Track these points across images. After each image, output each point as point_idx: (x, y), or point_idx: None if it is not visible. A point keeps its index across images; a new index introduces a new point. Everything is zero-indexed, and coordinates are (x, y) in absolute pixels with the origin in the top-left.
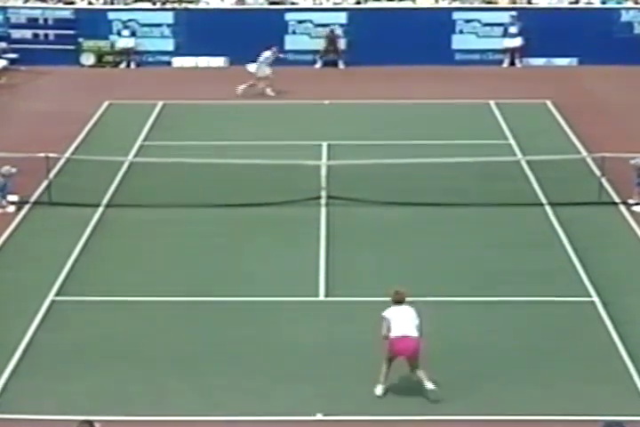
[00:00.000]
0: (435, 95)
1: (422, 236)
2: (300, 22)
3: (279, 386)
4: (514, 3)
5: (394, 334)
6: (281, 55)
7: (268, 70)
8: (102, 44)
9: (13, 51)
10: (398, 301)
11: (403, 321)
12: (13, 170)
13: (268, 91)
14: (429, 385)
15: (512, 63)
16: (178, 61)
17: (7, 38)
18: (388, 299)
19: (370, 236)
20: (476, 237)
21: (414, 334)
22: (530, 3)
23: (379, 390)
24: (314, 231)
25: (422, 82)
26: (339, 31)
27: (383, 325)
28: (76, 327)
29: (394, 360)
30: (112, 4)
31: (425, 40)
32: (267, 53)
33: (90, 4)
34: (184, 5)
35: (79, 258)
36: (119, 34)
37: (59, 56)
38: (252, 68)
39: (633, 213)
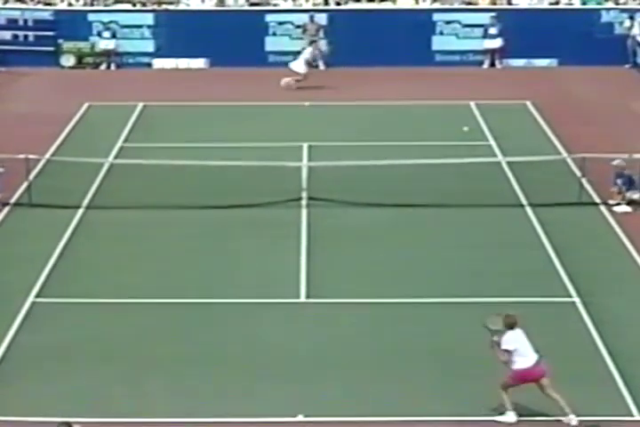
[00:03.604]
0: (415, 96)
1: (404, 237)
2: (281, 24)
3: (261, 387)
4: (494, 4)
5: (522, 365)
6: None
7: (304, 67)
8: (82, 45)
9: None
10: (511, 325)
11: (524, 348)
12: (1, 169)
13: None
14: (571, 416)
15: (492, 64)
16: (158, 63)
17: None
18: (369, 300)
19: (351, 237)
20: (456, 238)
21: (537, 357)
22: (510, 4)
23: (511, 417)
24: (295, 233)
25: (403, 83)
26: (319, 19)
27: (505, 355)
28: (56, 329)
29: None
30: (92, 5)
31: (405, 41)
32: (308, 49)
33: (70, 5)
34: (164, 7)
35: (59, 260)
36: (100, 35)
37: (38, 57)
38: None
39: (613, 214)
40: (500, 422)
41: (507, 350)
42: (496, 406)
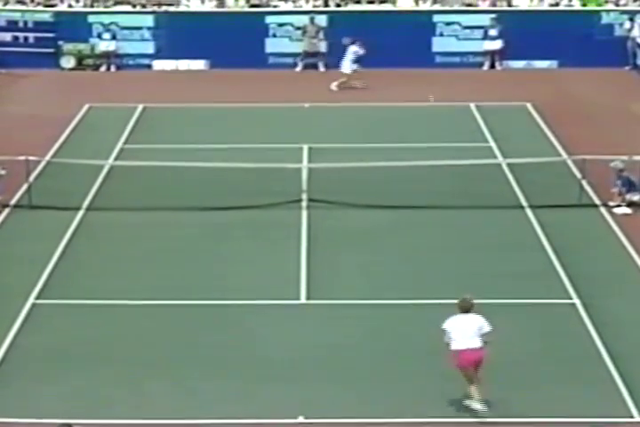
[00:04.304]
0: (415, 98)
1: (403, 238)
2: (281, 25)
3: (261, 389)
4: (494, 5)
5: (456, 346)
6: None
7: (353, 66)
8: (82, 46)
9: None
10: (464, 309)
11: (465, 332)
12: (3, 172)
13: (357, 84)
14: (477, 405)
15: (492, 66)
16: (158, 64)
17: None
18: (370, 302)
19: (351, 239)
20: (456, 239)
21: (477, 344)
22: (510, 5)
23: (477, 405)
24: (295, 234)
25: (403, 84)
26: (319, 20)
27: (445, 337)
28: (57, 330)
29: (470, 372)
30: (92, 6)
31: (405, 43)
32: (352, 49)
33: (70, 6)
34: (164, 8)
35: (60, 261)
36: (100, 37)
37: (39, 59)
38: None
39: (613, 216)
40: (500, 424)
41: (444, 330)
42: (499, 409)
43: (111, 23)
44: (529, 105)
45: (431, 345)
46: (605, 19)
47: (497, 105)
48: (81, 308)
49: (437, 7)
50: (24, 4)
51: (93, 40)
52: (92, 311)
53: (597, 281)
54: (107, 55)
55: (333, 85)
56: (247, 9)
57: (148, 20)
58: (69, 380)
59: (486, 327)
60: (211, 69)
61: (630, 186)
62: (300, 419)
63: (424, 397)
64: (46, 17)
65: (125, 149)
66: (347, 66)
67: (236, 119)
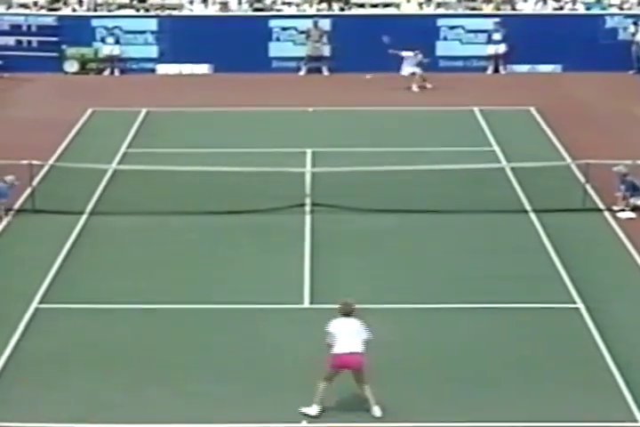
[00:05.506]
0: (419, 102)
1: (407, 243)
2: (284, 29)
3: (265, 394)
4: (498, 9)
5: (337, 350)
6: (424, 59)
7: (410, 69)
8: (86, 51)
9: None
10: (345, 313)
11: (347, 336)
12: (16, 182)
13: (414, 87)
14: (375, 410)
15: (496, 70)
16: (162, 68)
17: None
18: (371, 306)
19: (355, 243)
20: (460, 243)
21: (358, 349)
22: (514, 9)
23: (314, 410)
24: (298, 239)
25: (406, 88)
26: (323, 24)
27: (327, 339)
28: (60, 335)
29: (335, 376)
30: (95, 10)
31: (409, 47)
32: (407, 53)
33: (73, 10)
34: (168, 12)
35: (63, 265)
36: (103, 41)
37: (42, 63)
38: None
39: (617, 220)
40: None
41: (327, 332)
42: (501, 412)
43: (115, 27)
44: (533, 109)
45: (435, 349)
46: (609, 23)
47: (500, 109)
48: (84, 312)
49: (441, 11)
50: (27, 7)
51: (97, 44)
52: (95, 315)
53: (601, 285)
54: (110, 59)
55: (427, 85)
56: (250, 13)
57: (152, 24)
58: (71, 384)
59: (364, 334)
60: (214, 73)
61: (634, 190)
62: (304, 424)
63: (427, 401)
64: (50, 21)
65: (129, 153)
66: (408, 69)
67: (240, 123)
